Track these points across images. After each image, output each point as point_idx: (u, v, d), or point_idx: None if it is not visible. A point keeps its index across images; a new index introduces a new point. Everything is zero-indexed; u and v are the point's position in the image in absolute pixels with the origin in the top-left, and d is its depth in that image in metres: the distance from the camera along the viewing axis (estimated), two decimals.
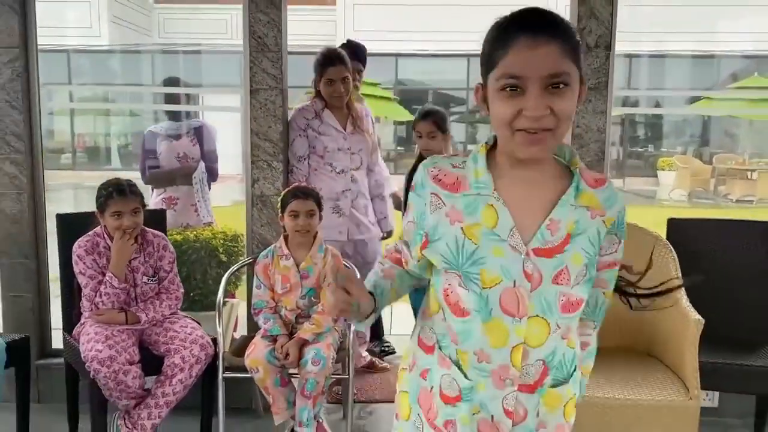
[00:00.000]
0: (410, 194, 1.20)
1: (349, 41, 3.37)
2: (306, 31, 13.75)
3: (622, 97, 11.13)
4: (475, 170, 1.14)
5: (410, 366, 1.25)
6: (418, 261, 1.22)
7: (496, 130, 1.10)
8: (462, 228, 1.11)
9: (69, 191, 11.71)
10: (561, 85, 1.04)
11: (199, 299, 3.32)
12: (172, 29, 16.33)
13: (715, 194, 12.45)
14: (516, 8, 1.09)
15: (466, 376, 1.15)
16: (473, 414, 1.15)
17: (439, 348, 1.19)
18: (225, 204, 5.72)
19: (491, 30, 1.09)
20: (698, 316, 2.24)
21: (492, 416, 1.14)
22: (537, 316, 1.10)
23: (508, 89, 1.04)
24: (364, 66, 3.37)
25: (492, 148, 1.16)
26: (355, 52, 3.24)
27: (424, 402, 1.20)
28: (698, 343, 2.27)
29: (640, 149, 15.75)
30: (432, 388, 1.19)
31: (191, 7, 16.40)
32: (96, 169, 14.32)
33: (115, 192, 2.44)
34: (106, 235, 2.50)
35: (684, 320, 2.28)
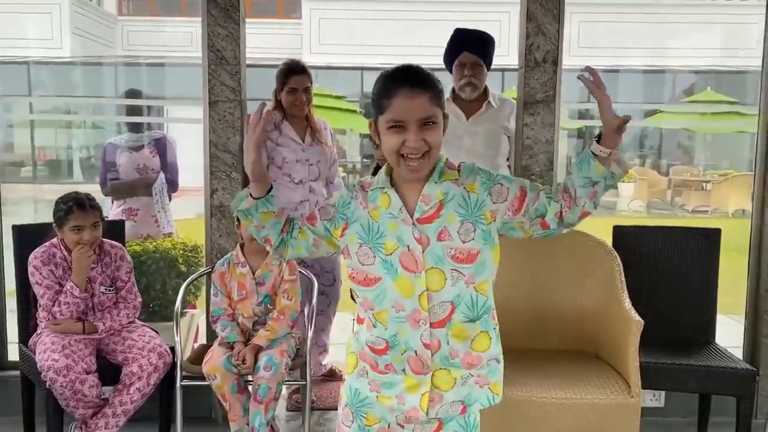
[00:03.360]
0: (341, 191, 1.58)
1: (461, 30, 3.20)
2: (272, 45, 13.83)
3: (580, 111, 11.46)
4: (379, 175, 1.55)
5: (354, 333, 1.61)
6: (324, 234, 1.55)
7: (387, 156, 1.47)
8: (369, 212, 1.51)
9: (29, 205, 11.50)
10: (430, 123, 1.43)
11: (159, 310, 3.34)
12: (136, 42, 16.21)
13: (672, 205, 12.80)
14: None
15: (387, 328, 1.49)
16: (402, 354, 1.50)
17: (367, 318, 1.54)
18: (190, 216, 5.71)
19: (379, 81, 1.47)
20: (638, 318, 2.35)
21: (415, 350, 1.49)
22: (432, 267, 1.46)
23: (394, 128, 1.43)
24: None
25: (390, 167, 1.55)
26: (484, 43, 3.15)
27: (365, 357, 1.55)
28: (639, 343, 2.38)
29: None
30: (365, 347, 1.55)
31: (155, 20, 16.32)
32: (57, 183, 14.09)
33: (75, 206, 2.47)
34: (62, 246, 2.51)
35: (625, 321, 2.39)
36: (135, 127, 3.68)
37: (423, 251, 1.45)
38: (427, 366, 1.49)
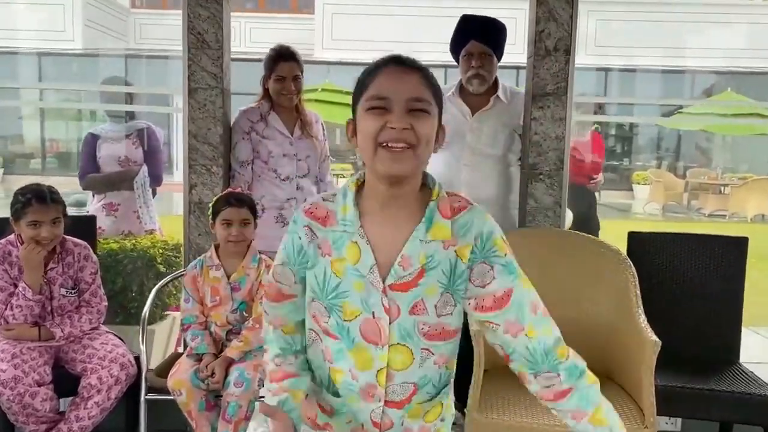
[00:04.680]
0: (285, 236, 1.25)
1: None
2: (284, 40, 13.63)
3: (595, 105, 11.12)
4: (343, 206, 1.20)
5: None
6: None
7: (362, 151, 1.17)
8: (330, 261, 1.20)
9: None
10: (421, 111, 1.14)
11: (137, 312, 3.11)
12: (148, 35, 16.12)
13: (689, 208, 12.47)
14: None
15: (337, 395, 1.26)
16: (347, 423, 1.28)
17: (320, 371, 1.28)
18: (176, 213, 5.50)
19: (365, 68, 1.22)
20: (655, 338, 2.09)
21: (362, 424, 1.27)
22: (398, 344, 1.20)
23: (376, 109, 1.14)
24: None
25: (361, 185, 1.22)
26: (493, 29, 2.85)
27: (305, 409, 1.30)
28: (655, 365, 2.12)
29: (615, 163, 15.77)
30: (322, 405, 1.30)
31: (168, 13, 16.19)
32: (65, 175, 14.00)
33: (34, 199, 2.23)
34: (19, 244, 2.29)
35: (640, 341, 2.13)
36: (117, 117, 3.46)
37: (390, 322, 1.19)
38: None
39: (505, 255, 1.20)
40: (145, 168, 3.40)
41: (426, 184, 1.22)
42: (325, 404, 1.30)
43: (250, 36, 14.73)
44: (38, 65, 15.05)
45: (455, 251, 1.18)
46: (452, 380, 1.34)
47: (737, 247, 2.63)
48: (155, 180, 3.46)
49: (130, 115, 3.52)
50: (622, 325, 2.31)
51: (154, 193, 3.53)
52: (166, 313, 3.32)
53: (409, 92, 1.14)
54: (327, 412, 1.30)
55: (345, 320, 1.20)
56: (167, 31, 15.39)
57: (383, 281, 1.17)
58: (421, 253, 1.17)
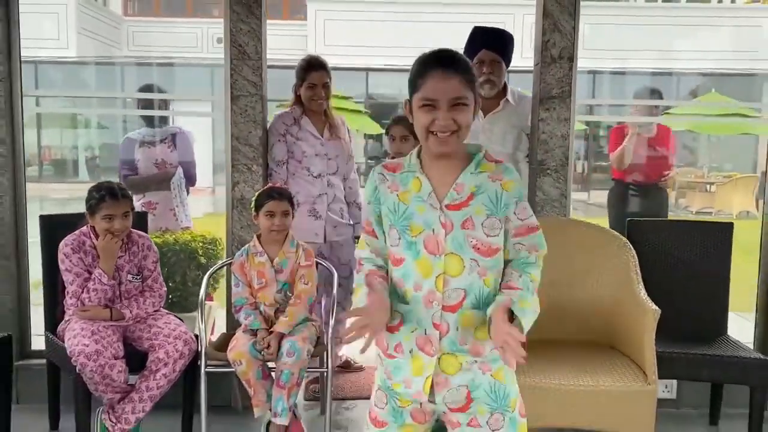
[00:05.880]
0: (368, 185, 1.64)
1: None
2: (277, 46, 13.87)
3: (586, 107, 11.45)
4: (409, 159, 1.61)
5: None
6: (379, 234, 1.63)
7: (418, 133, 1.55)
8: (397, 195, 1.58)
9: (35, 203, 11.54)
10: (461, 105, 1.51)
11: (178, 301, 3.39)
12: (141, 42, 16.28)
13: (676, 206, 12.82)
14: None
15: (406, 303, 1.57)
16: (412, 332, 1.57)
17: (396, 293, 1.60)
18: (197, 215, 5.77)
19: (415, 63, 1.55)
20: (655, 307, 2.40)
21: (425, 330, 1.56)
22: (452, 253, 1.53)
23: (426, 106, 1.51)
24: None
25: (420, 152, 1.62)
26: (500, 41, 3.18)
27: (380, 344, 1.61)
28: (655, 333, 2.43)
29: (604, 164, 16.12)
30: (392, 324, 1.58)
31: (161, 21, 16.39)
32: (63, 182, 14.16)
33: (107, 195, 2.53)
34: (92, 235, 2.57)
35: (642, 311, 2.44)
36: (151, 123, 3.74)
37: (446, 236, 1.52)
38: (434, 348, 1.55)
39: (524, 201, 1.62)
40: (180, 169, 3.69)
41: (470, 152, 1.60)
42: (395, 319, 1.58)
43: (267, 38, 14.91)
44: (35, 73, 15.17)
45: (501, 184, 1.56)
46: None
47: (724, 232, 2.95)
48: (189, 181, 3.75)
49: (163, 121, 3.80)
50: (624, 299, 2.62)
51: (187, 193, 3.81)
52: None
53: (452, 93, 1.50)
54: (395, 328, 1.59)
55: (412, 237, 1.54)
56: (161, 38, 15.65)
57: (440, 203, 1.54)
58: (472, 183, 1.54)
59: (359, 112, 11.78)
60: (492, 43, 3.13)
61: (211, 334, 3.52)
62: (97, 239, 2.55)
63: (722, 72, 13.43)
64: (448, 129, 1.50)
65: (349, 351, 3.57)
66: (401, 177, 1.58)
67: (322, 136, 3.17)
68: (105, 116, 14.38)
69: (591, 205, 13.63)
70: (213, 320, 3.67)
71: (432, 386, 1.56)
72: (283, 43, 14.49)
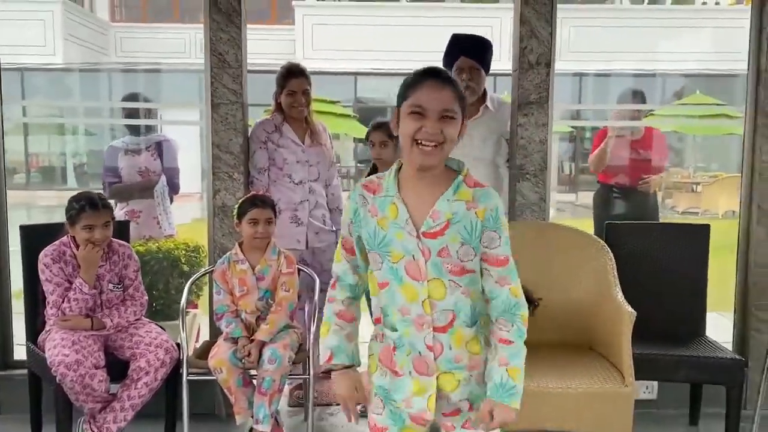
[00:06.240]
0: (350, 204, 1.64)
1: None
2: (265, 51, 13.90)
3: (571, 112, 11.56)
4: (387, 180, 1.61)
5: (373, 336, 1.69)
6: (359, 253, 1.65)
7: (402, 143, 1.55)
8: (377, 220, 1.58)
9: (22, 211, 11.52)
10: (449, 118, 1.52)
11: (162, 309, 3.40)
12: (129, 48, 16.24)
13: (663, 207, 12.91)
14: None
15: (395, 330, 1.60)
16: (407, 355, 1.60)
17: (382, 315, 1.63)
18: (185, 221, 5.77)
19: (411, 76, 1.57)
20: (631, 309, 2.43)
21: (419, 352, 1.58)
22: (435, 278, 1.56)
23: (415, 114, 1.51)
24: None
25: (400, 168, 1.63)
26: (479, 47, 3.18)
27: (384, 357, 1.63)
28: (632, 334, 2.46)
29: None
30: (388, 345, 1.62)
31: (148, 27, 16.36)
32: (50, 189, 14.08)
33: (87, 206, 2.53)
34: (72, 245, 2.58)
35: (619, 313, 2.47)
36: (136, 131, 3.75)
37: (426, 262, 1.54)
38: (431, 368, 1.58)
39: (506, 231, 1.60)
40: (163, 177, 3.70)
41: (450, 167, 1.60)
42: (388, 340, 1.61)
43: (247, 45, 14.92)
44: (21, 80, 15.11)
45: (476, 212, 1.55)
46: (485, 320, 1.63)
47: (700, 233, 2.98)
48: (173, 188, 3.76)
49: (151, 129, 3.81)
50: (602, 302, 2.65)
51: (171, 201, 3.82)
52: (187, 310, 3.59)
53: (442, 104, 1.51)
54: (392, 350, 1.61)
55: (393, 263, 1.56)
56: (148, 44, 15.62)
57: (417, 230, 1.54)
58: (448, 210, 1.54)
59: (348, 116, 11.81)
60: (471, 50, 3.16)
61: (196, 341, 3.53)
62: (77, 249, 2.56)
63: (707, 73, 13.56)
64: (434, 139, 1.50)
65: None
66: (380, 201, 1.59)
67: (303, 143, 3.19)
68: (92, 123, 14.35)
69: (578, 207, 13.71)
70: (198, 327, 3.68)
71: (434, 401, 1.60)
72: (272, 47, 14.54)
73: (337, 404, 3.19)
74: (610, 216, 3.98)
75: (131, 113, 3.79)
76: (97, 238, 2.52)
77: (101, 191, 2.68)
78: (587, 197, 13.86)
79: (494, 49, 3.25)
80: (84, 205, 2.51)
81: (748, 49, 3.13)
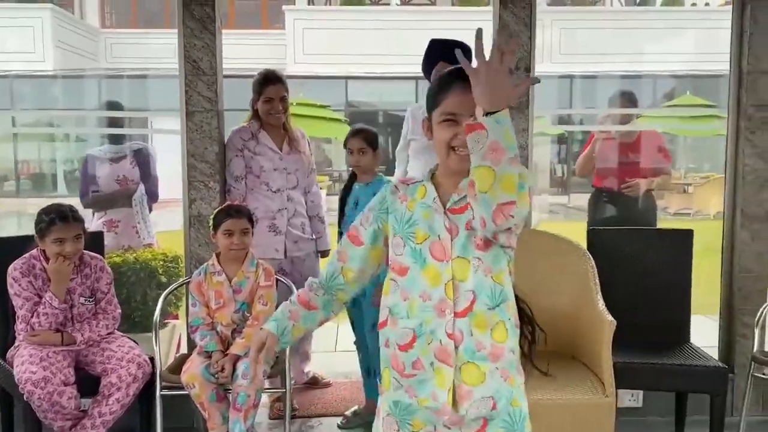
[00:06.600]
0: (378, 195, 1.61)
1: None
2: (256, 55, 13.86)
3: (561, 116, 11.55)
4: (422, 175, 1.59)
5: (382, 344, 1.57)
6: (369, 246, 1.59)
7: (438, 149, 1.52)
8: (406, 204, 1.55)
9: (13, 218, 11.45)
10: None
11: (140, 321, 3.34)
12: (119, 54, 16.18)
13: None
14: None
15: (415, 315, 1.50)
16: (429, 344, 1.49)
17: (391, 315, 1.53)
18: (174, 228, 5.69)
19: (435, 81, 1.55)
20: (611, 318, 2.39)
21: (440, 341, 1.48)
22: (458, 257, 1.48)
23: (447, 121, 1.48)
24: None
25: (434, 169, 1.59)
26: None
27: (395, 364, 1.53)
28: (616, 344, 2.42)
29: None
30: (394, 348, 1.53)
31: (138, 33, 16.31)
32: (41, 196, 14.01)
33: (57, 218, 2.47)
34: (42, 258, 2.52)
35: (599, 322, 2.43)
36: (116, 139, 3.70)
37: (452, 240, 1.49)
38: (452, 358, 1.48)
39: None
40: (142, 186, 3.64)
41: None
42: (406, 337, 1.50)
43: (222, 52, 14.92)
44: (9, 87, 15.04)
45: None
46: (510, 304, 1.52)
47: (684, 239, 2.95)
48: (152, 197, 3.70)
49: (117, 138, 3.75)
50: (583, 310, 2.61)
51: (150, 210, 3.76)
52: (166, 321, 3.54)
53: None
54: (408, 345, 1.50)
55: (417, 243, 1.50)
56: (138, 50, 15.56)
57: (444, 207, 1.51)
58: None
59: (339, 120, 11.78)
60: (450, 55, 3.09)
61: (177, 351, 3.48)
62: (47, 262, 2.50)
63: (698, 74, 13.59)
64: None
65: (316, 367, 3.53)
66: (411, 188, 1.57)
67: (281, 150, 3.14)
68: (80, 132, 14.27)
69: (571, 209, 13.70)
70: (178, 337, 3.62)
71: (455, 398, 1.48)
72: (263, 52, 14.51)
73: (317, 416, 3.15)
74: (605, 220, 3.93)
75: (112, 122, 3.74)
76: (68, 251, 2.47)
77: (71, 203, 2.60)
78: (579, 199, 13.85)
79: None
80: (54, 218, 2.45)
81: (730, 51, 3.10)
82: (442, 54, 3.12)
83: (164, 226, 3.88)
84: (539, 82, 1.58)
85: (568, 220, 12.92)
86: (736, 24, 3.06)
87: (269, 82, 3.08)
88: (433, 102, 1.51)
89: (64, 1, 16.66)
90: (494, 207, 1.36)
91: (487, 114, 1.32)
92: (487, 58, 1.32)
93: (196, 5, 2.90)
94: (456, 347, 1.47)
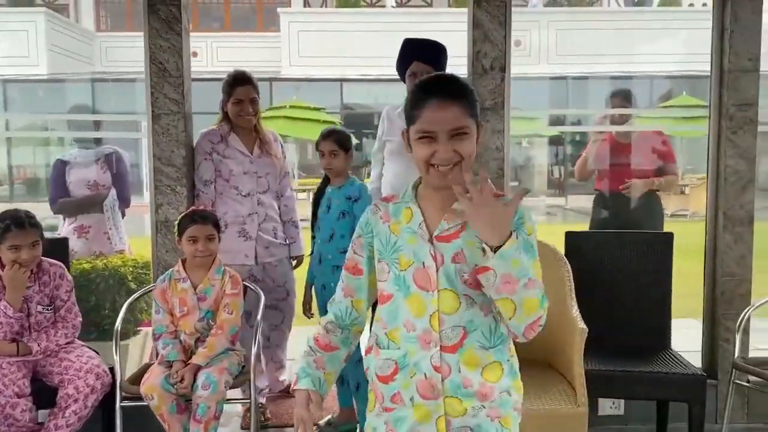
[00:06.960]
0: (361, 218, 1.54)
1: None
2: (251, 58, 13.81)
3: (555, 117, 11.48)
4: (405, 190, 1.51)
5: (366, 369, 1.54)
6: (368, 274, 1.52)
7: (418, 165, 1.43)
8: (389, 225, 1.47)
9: None
10: (461, 134, 1.38)
11: (109, 328, 3.25)
12: (114, 57, 16.13)
13: None
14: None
15: (398, 347, 1.44)
16: (411, 377, 1.43)
17: (376, 344, 1.49)
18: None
19: (411, 91, 1.44)
20: (583, 326, 2.31)
21: (425, 374, 1.41)
22: (446, 288, 1.41)
23: (424, 138, 1.39)
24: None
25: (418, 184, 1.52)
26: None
27: (376, 393, 1.49)
28: (590, 350, 2.35)
29: None
30: (373, 378, 1.49)
31: (133, 36, 16.25)
32: (35, 201, 13.95)
33: (13, 225, 2.40)
34: None
35: (572, 330, 2.35)
36: (84, 143, 3.63)
37: (437, 270, 1.41)
38: (437, 391, 1.41)
39: (530, 235, 1.41)
40: (113, 191, 3.57)
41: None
42: (388, 368, 1.44)
43: (217, 55, 14.84)
44: (2, 92, 15.01)
45: None
46: (510, 346, 1.47)
47: (664, 242, 2.87)
48: (123, 202, 3.63)
49: (97, 141, 3.68)
50: (557, 316, 2.52)
51: (123, 215, 3.69)
52: (138, 328, 3.47)
53: (451, 123, 1.37)
54: (390, 377, 1.44)
55: (401, 270, 1.43)
56: (134, 53, 15.53)
57: (430, 234, 1.42)
58: None
59: (333, 122, 11.73)
60: (423, 54, 3.03)
61: (150, 359, 3.40)
62: (2, 270, 2.42)
63: (697, 75, 13.52)
64: (449, 161, 1.38)
65: (291, 375, 3.45)
66: (394, 208, 1.49)
67: (252, 153, 3.06)
68: (75, 132, 14.21)
69: (568, 210, 13.63)
70: (151, 345, 3.54)
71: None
72: (258, 55, 14.46)
73: (291, 425, 3.07)
74: (607, 223, 3.84)
75: (80, 126, 3.67)
76: (24, 258, 2.39)
77: (29, 211, 2.52)
78: (576, 201, 13.78)
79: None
80: (9, 225, 2.37)
81: (711, 50, 3.03)
82: (416, 53, 3.05)
83: (146, 231, 3.80)
84: (529, 192, 1.51)
85: (565, 223, 12.85)
86: (717, 22, 2.99)
87: (239, 83, 3.00)
88: (409, 118, 1.43)
89: (58, 5, 16.64)
90: (523, 329, 1.36)
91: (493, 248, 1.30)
92: (471, 198, 1.31)
93: (162, 5, 2.83)
94: (442, 380, 1.41)
